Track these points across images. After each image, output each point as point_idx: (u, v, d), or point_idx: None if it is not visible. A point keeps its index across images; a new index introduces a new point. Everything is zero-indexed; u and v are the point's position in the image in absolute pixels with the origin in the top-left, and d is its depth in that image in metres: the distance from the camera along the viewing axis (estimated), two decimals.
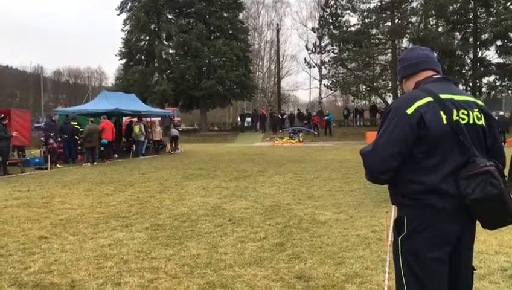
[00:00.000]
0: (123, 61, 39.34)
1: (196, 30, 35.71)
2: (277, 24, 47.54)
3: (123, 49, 38.53)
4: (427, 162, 2.01)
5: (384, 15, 32.82)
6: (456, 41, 32.93)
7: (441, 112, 2.02)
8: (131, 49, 38.14)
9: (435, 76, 2.21)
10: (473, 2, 30.87)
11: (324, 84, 38.51)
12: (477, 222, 2.08)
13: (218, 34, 37.84)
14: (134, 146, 18.81)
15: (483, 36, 32.00)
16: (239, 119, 42.61)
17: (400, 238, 2.09)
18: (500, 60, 32.42)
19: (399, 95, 28.81)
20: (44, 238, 5.38)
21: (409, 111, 2.01)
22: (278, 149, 22.27)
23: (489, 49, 33.07)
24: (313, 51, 37.31)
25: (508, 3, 29.46)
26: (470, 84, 32.95)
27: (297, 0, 77.83)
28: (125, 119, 21.97)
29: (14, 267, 4.34)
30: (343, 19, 34.63)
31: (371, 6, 33.12)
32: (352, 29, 33.98)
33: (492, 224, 2.07)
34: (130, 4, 37.75)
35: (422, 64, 2.25)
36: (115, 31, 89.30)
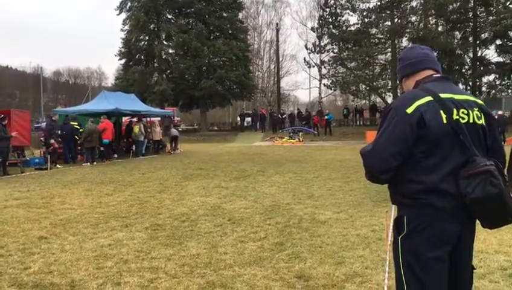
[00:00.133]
0: (123, 61, 39.36)
1: (196, 30, 35.71)
2: (276, 24, 47.57)
3: (123, 49, 38.54)
4: (427, 162, 2.01)
5: (383, 14, 32.83)
6: (456, 41, 32.93)
7: (441, 111, 2.01)
8: (131, 49, 38.14)
9: (434, 75, 2.21)
10: (472, 1, 30.89)
11: (324, 84, 38.54)
12: (477, 221, 2.08)
13: (217, 34, 37.85)
14: (134, 146, 18.81)
15: (483, 35, 32.00)
16: (239, 119, 42.61)
17: (399, 237, 2.08)
18: (500, 59, 32.43)
19: (399, 94, 28.82)
20: (44, 239, 5.38)
21: (409, 110, 2.01)
22: (278, 149, 22.27)
23: (489, 48, 33.11)
24: (313, 50, 37.33)
25: (508, 3, 29.47)
26: (470, 83, 32.95)
27: None
28: (124, 119, 21.96)
29: (14, 267, 4.34)
30: (343, 18, 34.68)
31: (371, 6, 33.17)
32: (352, 28, 34.00)
33: (492, 223, 2.07)
34: (129, 4, 37.75)
35: (422, 63, 2.25)
36: (114, 31, 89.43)
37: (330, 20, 34.48)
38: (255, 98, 49.95)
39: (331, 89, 38.86)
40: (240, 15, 42.19)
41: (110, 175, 11.96)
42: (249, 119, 39.84)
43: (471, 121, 2.06)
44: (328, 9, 34.90)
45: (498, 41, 31.58)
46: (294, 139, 27.90)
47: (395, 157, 2.02)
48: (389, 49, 33.85)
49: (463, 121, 2.03)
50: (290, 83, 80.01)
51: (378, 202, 7.26)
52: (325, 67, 37.21)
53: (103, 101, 18.78)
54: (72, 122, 16.50)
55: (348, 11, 34.23)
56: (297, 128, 32.07)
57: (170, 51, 38.38)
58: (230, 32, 38.12)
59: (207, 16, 37.16)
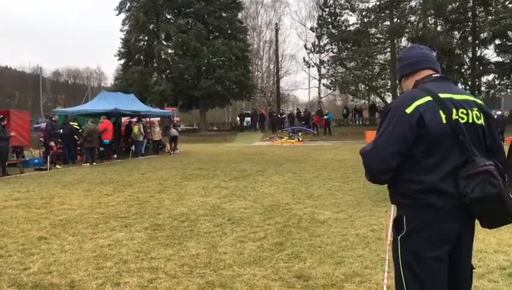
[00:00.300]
0: (122, 61, 39.37)
1: (195, 30, 35.71)
2: (276, 24, 47.55)
3: (122, 49, 38.54)
4: (427, 162, 2.01)
5: (383, 14, 32.85)
6: (455, 40, 32.96)
7: (440, 111, 2.01)
8: (130, 49, 38.14)
9: (434, 75, 2.21)
10: (471, 1, 30.91)
11: (323, 84, 38.55)
12: (477, 221, 2.08)
13: (217, 34, 37.85)
14: (133, 146, 18.81)
15: (482, 35, 32.01)
16: (238, 119, 42.61)
17: (399, 237, 2.09)
18: (499, 59, 32.47)
19: (398, 94, 28.86)
20: (43, 239, 5.38)
21: (409, 110, 2.01)
22: (277, 149, 22.27)
23: (488, 48, 33.13)
24: (312, 50, 37.35)
25: (507, 2, 29.48)
26: (469, 83, 32.96)
27: None
28: (124, 119, 21.96)
29: (14, 268, 4.34)
30: (342, 18, 34.71)
31: (370, 6, 33.21)
32: (351, 28, 34.03)
33: (491, 223, 2.07)
34: (128, 4, 37.75)
35: (422, 63, 2.25)
36: (114, 31, 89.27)
37: (329, 20, 34.51)
38: (254, 98, 49.94)
39: (330, 89, 38.91)
40: (239, 15, 42.20)
41: (109, 175, 11.96)
42: (248, 119, 39.83)
43: (470, 121, 2.06)
44: (327, 9, 34.93)
45: (497, 41, 31.62)
46: (293, 139, 27.90)
47: (395, 157, 2.02)
48: (388, 49, 33.87)
49: (462, 121, 2.03)
50: (289, 83, 79.80)
51: (377, 201, 7.27)
52: (324, 67, 37.24)
53: (102, 102, 18.77)
54: (71, 123, 16.50)
55: (347, 11, 34.28)
56: (297, 128, 32.08)
57: (169, 51, 38.41)
58: (229, 32, 38.11)
59: (206, 16, 37.16)
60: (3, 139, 12.47)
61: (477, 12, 31.50)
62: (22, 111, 20.73)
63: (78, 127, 16.72)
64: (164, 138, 21.88)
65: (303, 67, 56.58)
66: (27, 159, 15.43)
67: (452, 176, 1.98)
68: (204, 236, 5.39)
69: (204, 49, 35.24)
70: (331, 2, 34.50)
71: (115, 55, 39.20)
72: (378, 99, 39.78)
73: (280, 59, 49.17)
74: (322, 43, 36.06)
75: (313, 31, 37.42)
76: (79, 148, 17.06)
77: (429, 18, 33.30)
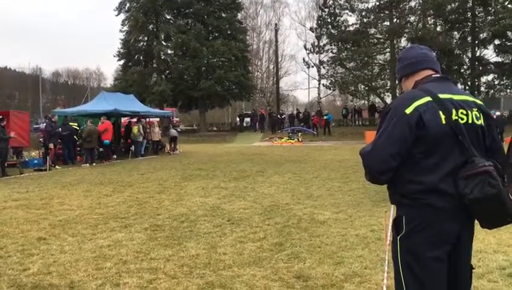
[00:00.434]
0: (121, 61, 39.36)
1: (194, 30, 35.71)
2: (275, 24, 47.51)
3: (121, 50, 38.54)
4: (426, 162, 2.01)
5: (382, 14, 32.86)
6: (455, 41, 32.97)
7: (440, 112, 2.02)
8: (130, 50, 38.14)
9: (434, 75, 2.21)
10: (471, 1, 30.93)
11: (323, 84, 38.53)
12: (476, 221, 2.08)
13: (216, 34, 37.84)
14: (133, 147, 18.81)
15: (481, 35, 32.03)
16: (238, 119, 42.61)
17: (398, 237, 2.09)
18: (499, 59, 32.48)
19: (398, 94, 28.86)
20: (43, 240, 5.38)
21: (408, 111, 2.01)
22: (277, 149, 22.27)
23: (487, 48, 33.15)
24: (312, 50, 37.33)
25: (506, 2, 29.50)
26: (469, 83, 32.99)
27: (296, 0, 77.76)
28: (123, 120, 21.97)
29: (13, 268, 4.34)
30: (342, 18, 34.70)
31: (369, 6, 33.21)
32: (351, 28, 34.03)
33: (491, 224, 2.07)
34: (128, 5, 37.76)
35: (422, 63, 2.25)
36: (113, 32, 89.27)
37: (329, 20, 34.51)
38: (254, 99, 49.95)
39: (330, 89, 38.89)
40: (239, 15, 42.20)
41: (109, 176, 11.95)
42: (248, 119, 39.82)
43: (470, 121, 2.06)
44: (326, 10, 34.94)
45: (497, 41, 31.63)
46: (293, 140, 27.90)
47: (394, 157, 2.02)
48: (388, 49, 33.88)
49: (462, 122, 2.04)
50: (289, 83, 79.98)
51: (377, 202, 7.27)
52: (324, 67, 37.24)
53: (102, 102, 18.78)
54: (71, 123, 16.49)
55: (346, 11, 34.28)
56: (297, 128, 32.08)
57: (169, 51, 38.39)
58: (229, 32, 38.11)
59: (206, 17, 37.16)
60: (2, 140, 12.46)
61: (477, 13, 31.53)
62: (21, 112, 20.74)
63: (77, 128, 16.71)
64: (164, 139, 21.88)
65: (302, 68, 56.74)
66: (26, 159, 15.43)
67: (452, 176, 1.99)
68: (204, 237, 5.39)
69: (204, 50, 35.24)
70: (331, 2, 34.51)
71: (114, 56, 39.24)
72: (377, 100, 39.80)
73: (280, 59, 49.22)
74: (321, 44, 36.08)
75: (313, 32, 37.44)
76: (78, 148, 17.06)
77: (429, 18, 33.32)
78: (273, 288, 3.71)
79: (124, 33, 38.44)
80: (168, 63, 38.33)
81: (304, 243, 4.98)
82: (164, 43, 38.09)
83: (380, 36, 33.97)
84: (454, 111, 2.04)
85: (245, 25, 45.24)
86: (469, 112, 2.07)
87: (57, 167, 14.66)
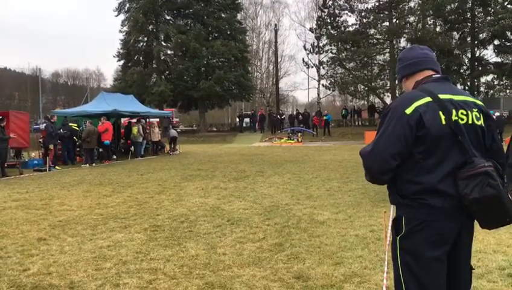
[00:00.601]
0: (121, 62, 39.33)
1: (194, 31, 35.69)
2: (275, 24, 47.48)
3: (121, 50, 38.52)
4: (426, 162, 2.01)
5: (382, 15, 32.85)
6: (454, 41, 32.96)
7: (440, 112, 2.02)
8: (130, 50, 38.12)
9: (434, 76, 2.21)
10: (470, 2, 30.91)
11: (322, 84, 38.57)
12: (476, 221, 2.08)
13: (216, 35, 37.83)
14: (132, 147, 18.80)
15: (481, 35, 32.05)
16: (237, 119, 42.59)
17: (398, 237, 2.09)
18: (498, 59, 32.51)
19: (397, 94, 28.89)
20: (43, 240, 5.38)
21: (408, 111, 2.02)
22: (277, 149, 22.27)
23: (487, 48, 33.16)
24: (311, 51, 37.35)
25: (506, 3, 29.51)
26: (468, 83, 32.99)
27: (295, 0, 77.40)
28: (123, 120, 21.96)
29: (13, 269, 4.34)
30: (341, 19, 34.66)
31: (369, 6, 33.19)
32: (350, 29, 34.00)
33: (490, 224, 2.07)
34: (128, 5, 37.77)
35: (422, 63, 2.25)
36: (113, 32, 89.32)
37: (328, 20, 34.49)
38: (253, 99, 49.93)
39: (329, 90, 38.85)
40: (239, 16, 42.17)
41: (108, 176, 11.95)
42: (247, 120, 39.81)
43: (470, 121, 2.06)
44: (326, 10, 34.91)
45: (496, 42, 31.65)
46: (293, 140, 27.90)
47: (395, 157, 2.02)
48: (388, 50, 33.86)
49: (462, 122, 2.04)
50: (288, 83, 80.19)
51: (376, 202, 7.27)
52: (323, 67, 37.21)
53: (102, 103, 18.77)
54: (71, 124, 16.49)
55: (346, 11, 34.24)
56: (296, 128, 32.07)
57: (169, 52, 38.40)
58: (228, 33, 38.10)
59: (205, 17, 37.14)
60: (2, 140, 12.46)
61: (476, 13, 31.54)
62: (21, 112, 20.71)
63: (77, 128, 16.70)
64: (163, 139, 21.87)
65: (302, 68, 56.71)
66: (26, 160, 15.42)
67: (451, 176, 1.99)
68: (204, 237, 5.39)
69: (204, 50, 35.23)
70: (330, 2, 34.49)
71: (114, 56, 39.25)
72: (377, 100, 39.76)
73: (279, 60, 49.15)
74: (321, 44, 36.06)
75: (312, 32, 37.44)
76: (78, 149, 17.05)
77: (428, 19, 33.30)
78: (272, 288, 3.71)
79: (124, 34, 38.45)
80: (168, 64, 38.33)
81: (303, 244, 4.98)
82: (164, 44, 38.08)
83: (380, 36, 33.96)
84: (454, 111, 2.04)
85: (245, 25, 45.24)
86: (469, 113, 2.07)
87: (56, 167, 14.66)
